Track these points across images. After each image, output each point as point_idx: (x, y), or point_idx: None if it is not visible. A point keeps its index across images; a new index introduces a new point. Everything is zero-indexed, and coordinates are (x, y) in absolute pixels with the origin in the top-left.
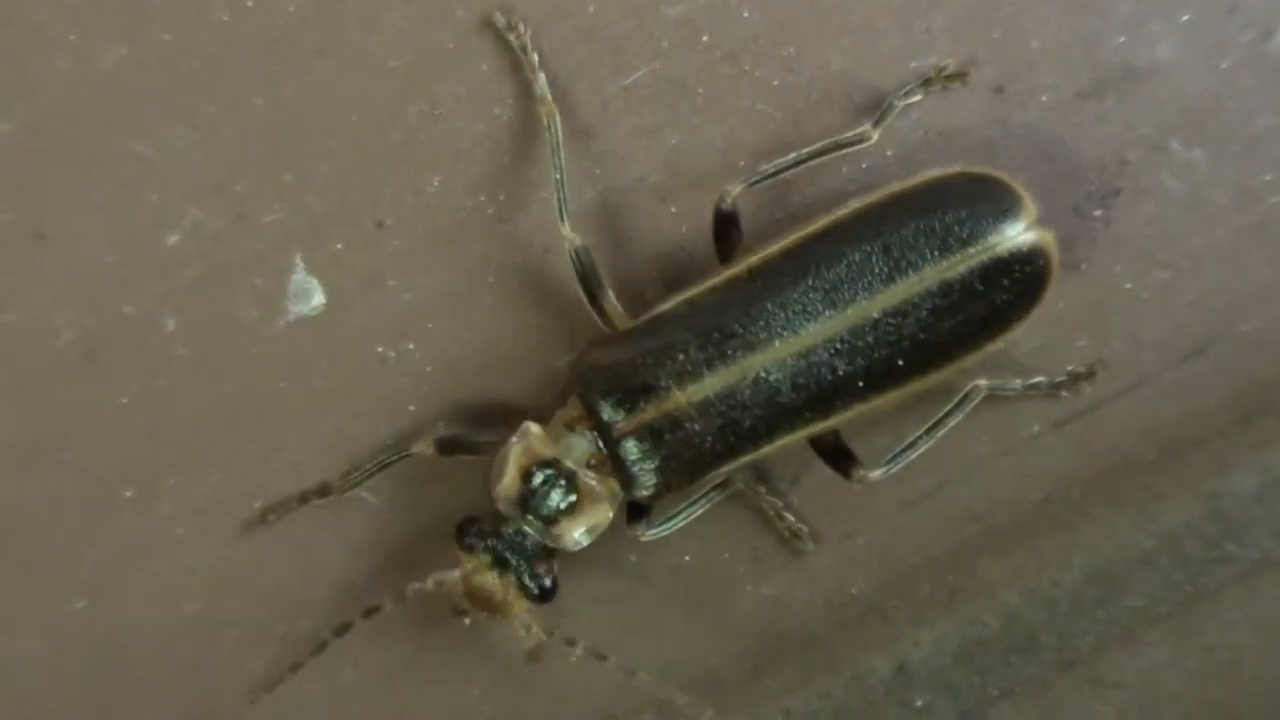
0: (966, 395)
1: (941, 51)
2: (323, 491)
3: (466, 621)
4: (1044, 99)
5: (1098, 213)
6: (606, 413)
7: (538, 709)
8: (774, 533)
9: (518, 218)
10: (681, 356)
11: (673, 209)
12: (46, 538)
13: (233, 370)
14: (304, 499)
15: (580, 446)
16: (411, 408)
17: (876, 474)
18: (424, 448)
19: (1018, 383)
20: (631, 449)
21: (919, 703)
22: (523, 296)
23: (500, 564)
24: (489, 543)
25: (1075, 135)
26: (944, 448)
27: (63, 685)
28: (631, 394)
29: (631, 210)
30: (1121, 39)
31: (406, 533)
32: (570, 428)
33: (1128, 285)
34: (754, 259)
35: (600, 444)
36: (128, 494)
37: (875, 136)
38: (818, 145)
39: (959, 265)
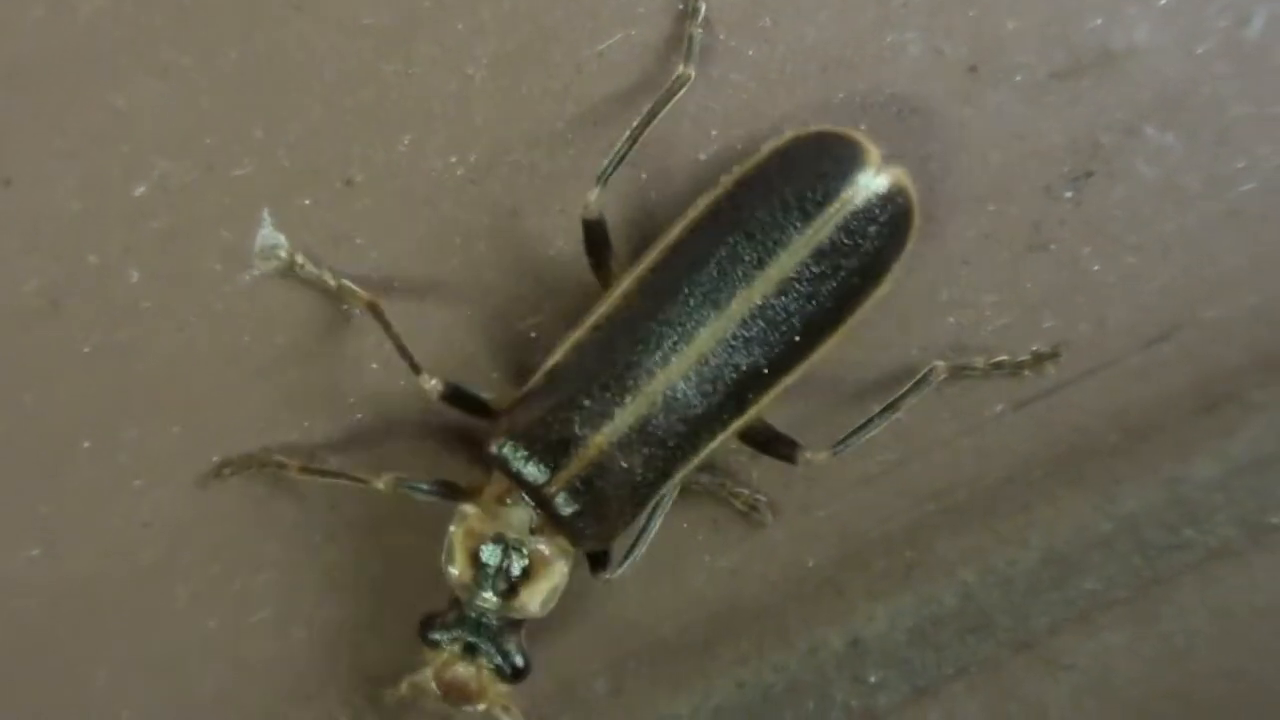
0: (925, 377)
1: (917, 27)
2: (280, 465)
3: None
4: (1018, 79)
5: (1068, 194)
6: (532, 477)
7: None
8: (731, 508)
9: (487, 179)
10: (588, 402)
11: (643, 175)
12: (3, 484)
13: (196, 323)
14: (263, 463)
15: (518, 516)
16: (374, 365)
17: (822, 456)
18: (383, 486)
19: (980, 361)
20: (567, 504)
21: (872, 678)
22: (489, 258)
23: (469, 651)
24: (455, 633)
25: (1049, 116)
26: (906, 424)
27: (14, 633)
28: (551, 452)
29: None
30: (1098, 21)
31: (362, 493)
32: (502, 502)
33: (1096, 267)
34: (626, 284)
35: (535, 509)
36: (86, 444)
37: (693, 73)
38: (648, 110)
39: (824, 229)
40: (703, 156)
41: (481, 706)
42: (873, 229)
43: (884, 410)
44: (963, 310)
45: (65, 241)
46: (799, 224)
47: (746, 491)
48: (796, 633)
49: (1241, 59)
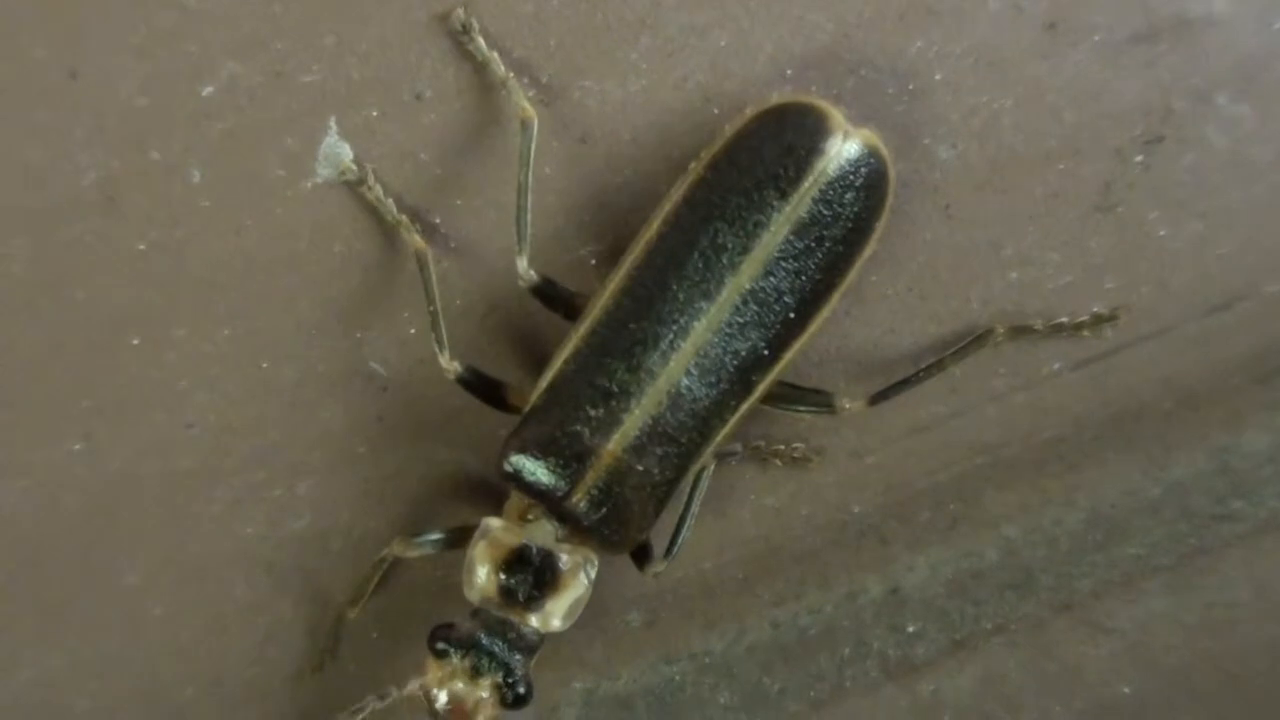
0: (979, 338)
1: None
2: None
3: None
4: (1096, 39)
5: (1139, 158)
6: (550, 491)
7: None
8: (781, 462)
9: (557, 103)
10: (594, 412)
11: (715, 110)
12: (47, 376)
13: (253, 227)
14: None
15: (542, 530)
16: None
17: (858, 405)
18: (397, 551)
19: (1039, 322)
20: (590, 513)
21: (910, 628)
22: (554, 183)
23: (476, 671)
24: (465, 651)
25: (1124, 78)
26: (960, 377)
27: (52, 525)
28: (566, 464)
29: (673, 110)
30: None
31: (411, 405)
32: (524, 518)
33: (1161, 233)
34: (611, 288)
35: (558, 522)
36: (134, 341)
37: (533, 112)
38: (518, 173)
39: (802, 204)
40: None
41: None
42: (850, 195)
43: (930, 367)
44: (1026, 267)
45: (127, 137)
46: (776, 202)
47: (783, 447)
48: (836, 577)
49: None
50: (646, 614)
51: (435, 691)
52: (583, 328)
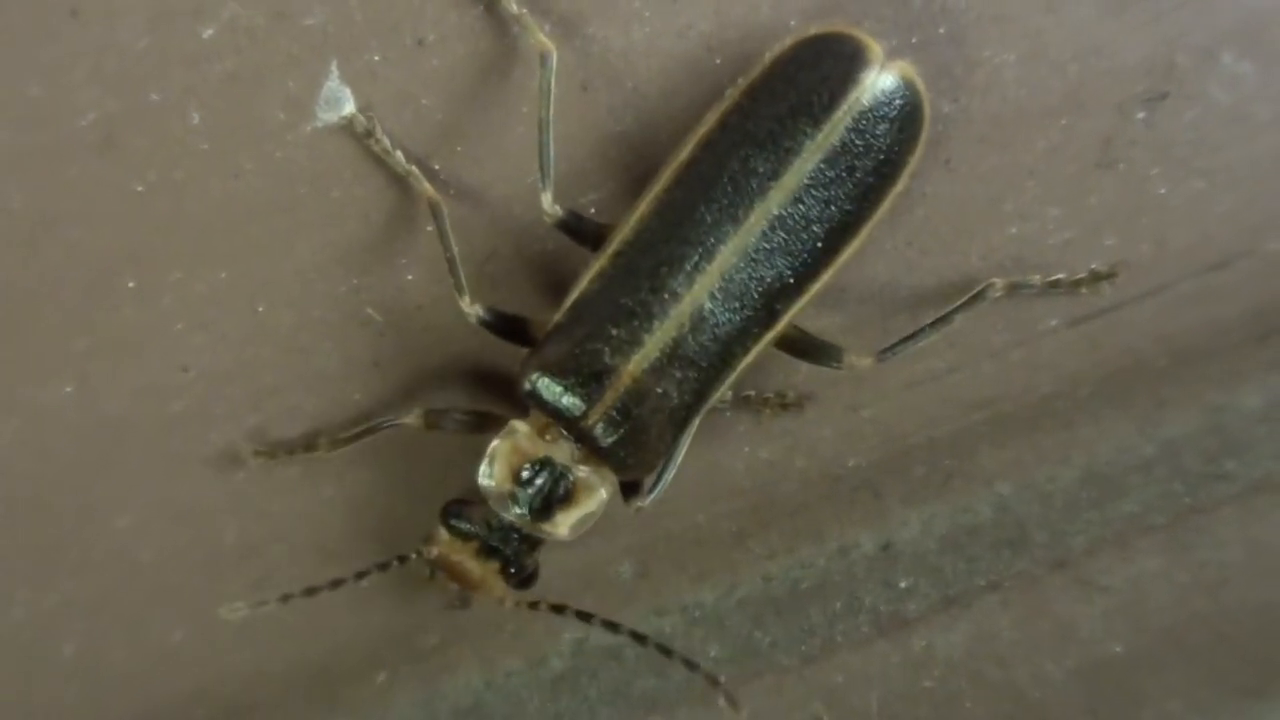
0: (980, 292)
1: None
2: (309, 448)
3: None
4: None
5: (1141, 114)
6: (568, 411)
7: None
8: (770, 411)
9: (562, 50)
10: (615, 331)
11: (718, 60)
12: (41, 317)
13: (252, 170)
14: (291, 451)
15: (561, 450)
16: (429, 228)
17: (867, 361)
18: (413, 420)
19: (1037, 278)
20: (606, 435)
21: (902, 584)
22: (557, 130)
23: (486, 552)
24: (478, 531)
25: (1128, 33)
26: (958, 332)
27: (44, 467)
28: (585, 385)
29: (676, 59)
30: None
31: (407, 351)
32: (543, 437)
33: (1161, 190)
34: (640, 209)
35: (576, 443)
36: (130, 284)
37: (552, 46)
38: (540, 109)
39: (834, 132)
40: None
41: (476, 594)
42: (882, 127)
43: (935, 322)
44: (1025, 222)
45: (127, 77)
46: (809, 129)
47: (772, 394)
48: (829, 532)
49: None
50: (638, 565)
51: (444, 558)
52: (609, 248)
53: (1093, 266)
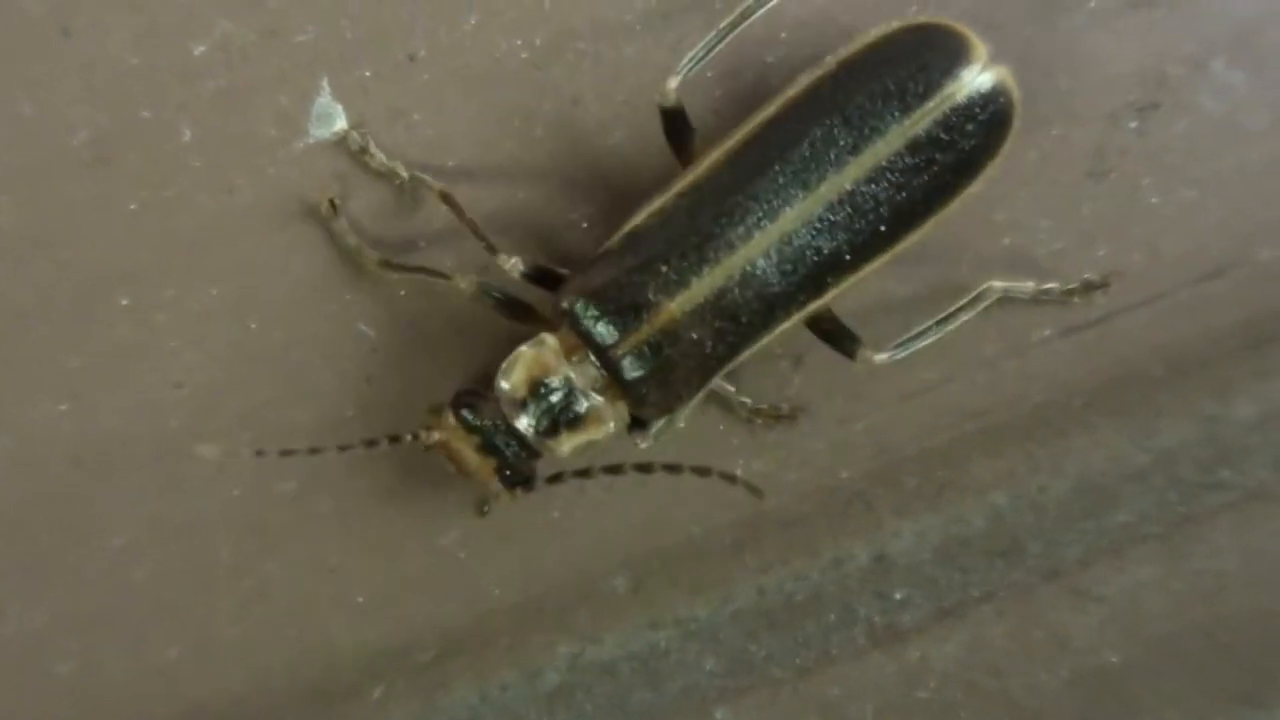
0: (980, 295)
1: None
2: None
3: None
4: (1093, 4)
5: (1133, 124)
6: (600, 337)
7: (510, 560)
8: (763, 422)
9: (551, 65)
10: (664, 268)
11: (709, 73)
12: (35, 335)
13: (244, 186)
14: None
15: (584, 373)
16: (422, 244)
17: (881, 357)
18: (465, 285)
19: (1030, 285)
20: (632, 368)
21: (897, 595)
22: (546, 145)
23: (487, 448)
24: (484, 424)
25: (1120, 43)
26: (952, 343)
27: (39, 484)
28: (622, 315)
29: (667, 72)
30: None
31: (400, 366)
32: (569, 358)
33: (1154, 199)
34: (715, 155)
35: (601, 369)
36: (124, 301)
37: None
38: (739, 11)
39: (921, 121)
40: (770, 59)
41: (468, 479)
42: (971, 126)
43: (940, 321)
44: (1018, 232)
45: (119, 95)
46: (898, 113)
47: (766, 406)
48: (823, 544)
49: None
50: (632, 579)
51: (445, 444)
52: (676, 186)
53: (1085, 276)
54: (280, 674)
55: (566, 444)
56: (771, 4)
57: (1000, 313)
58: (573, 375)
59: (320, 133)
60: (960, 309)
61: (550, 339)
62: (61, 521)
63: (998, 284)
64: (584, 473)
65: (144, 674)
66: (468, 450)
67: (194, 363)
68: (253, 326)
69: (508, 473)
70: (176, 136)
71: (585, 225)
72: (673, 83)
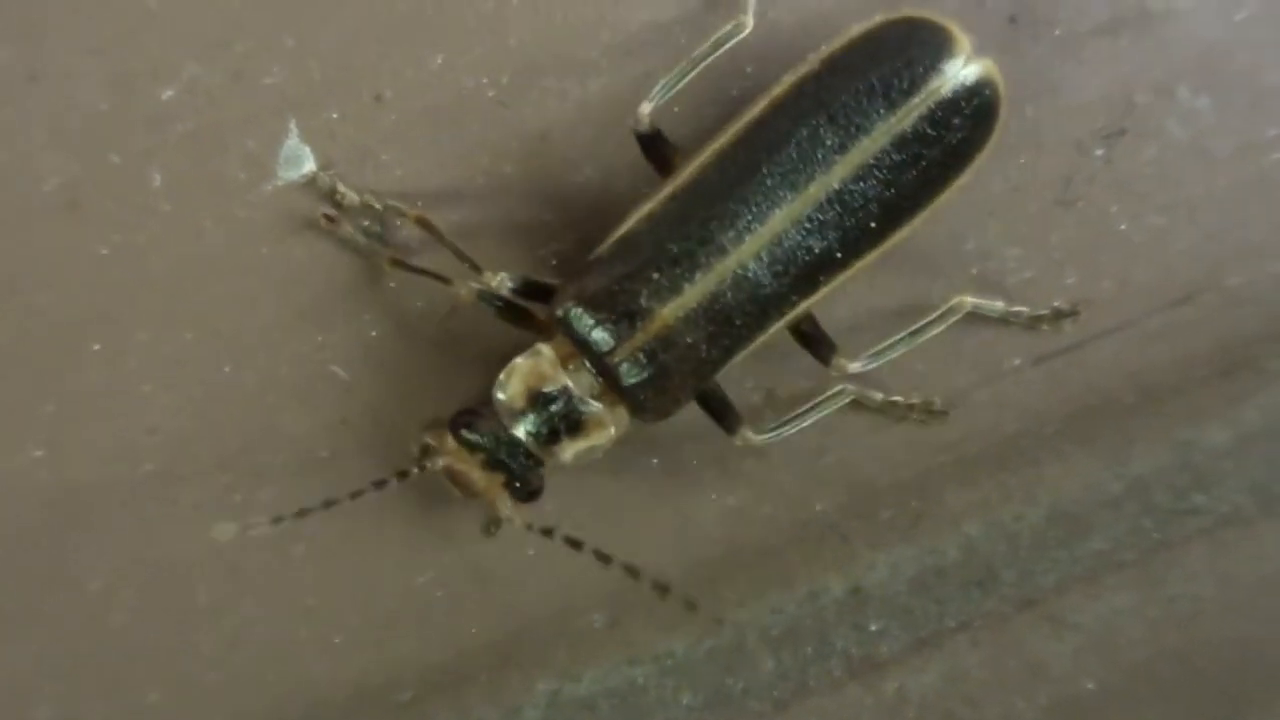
0: (950, 309)
1: None
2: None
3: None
4: (1057, 33)
5: (1099, 151)
6: (597, 344)
7: (488, 598)
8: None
9: (518, 103)
10: (656, 275)
11: (675, 109)
12: (9, 382)
13: (214, 230)
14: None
15: (581, 381)
16: (392, 284)
17: (855, 365)
18: (464, 293)
19: (1000, 305)
20: (630, 375)
21: (873, 626)
22: (515, 182)
23: (493, 465)
24: (485, 441)
25: (1085, 72)
26: (923, 373)
27: (14, 531)
28: (616, 322)
29: (634, 106)
30: None
31: (374, 408)
32: (566, 365)
33: (1122, 226)
34: (702, 158)
35: (597, 376)
36: (96, 346)
37: (750, 24)
38: (702, 48)
39: (908, 116)
40: (735, 92)
41: (476, 500)
42: (957, 120)
43: (911, 334)
44: (987, 261)
45: (88, 140)
46: (883, 110)
47: (919, 402)
48: (798, 577)
49: (1278, 28)
50: (609, 615)
51: (450, 468)
52: (664, 191)
53: (1055, 304)
54: (260, 715)
55: (569, 450)
56: (743, 35)
57: (971, 342)
58: (570, 383)
59: (289, 175)
60: (930, 323)
61: (546, 349)
62: (38, 567)
63: (969, 299)
64: (604, 556)
65: (124, 718)
66: (474, 470)
67: (168, 407)
68: (226, 370)
69: (517, 485)
70: (146, 181)
71: (555, 263)
72: (645, 108)
